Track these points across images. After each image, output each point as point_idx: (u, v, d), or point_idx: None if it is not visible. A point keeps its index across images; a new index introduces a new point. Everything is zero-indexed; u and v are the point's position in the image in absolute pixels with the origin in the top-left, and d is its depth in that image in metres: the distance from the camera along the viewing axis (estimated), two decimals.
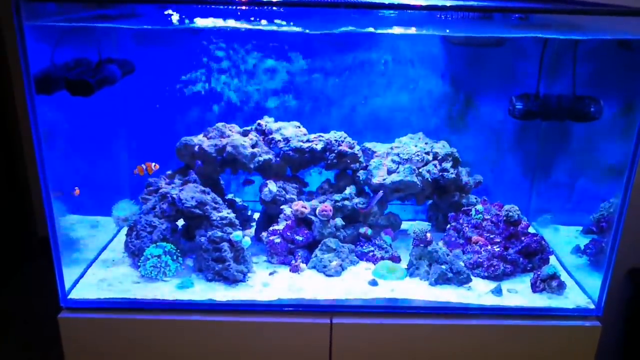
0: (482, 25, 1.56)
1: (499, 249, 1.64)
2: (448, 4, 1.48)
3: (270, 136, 1.74)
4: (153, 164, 1.67)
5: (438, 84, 1.92)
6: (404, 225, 1.86)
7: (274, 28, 1.69)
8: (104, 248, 1.76)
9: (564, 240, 1.83)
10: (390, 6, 1.44)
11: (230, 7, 1.43)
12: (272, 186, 1.71)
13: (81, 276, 1.59)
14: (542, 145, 1.97)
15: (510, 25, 1.56)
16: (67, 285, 1.50)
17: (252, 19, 1.55)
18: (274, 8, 1.44)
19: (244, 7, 1.43)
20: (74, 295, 1.51)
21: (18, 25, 1.27)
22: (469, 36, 1.78)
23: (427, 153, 1.75)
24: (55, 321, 1.47)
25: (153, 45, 1.86)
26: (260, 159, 1.71)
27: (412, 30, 1.71)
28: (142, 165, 1.66)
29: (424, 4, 1.44)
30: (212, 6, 1.43)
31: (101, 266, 1.65)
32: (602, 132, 1.78)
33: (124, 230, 1.71)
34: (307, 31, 1.72)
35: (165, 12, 1.50)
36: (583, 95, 1.72)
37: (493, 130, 1.96)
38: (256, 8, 1.44)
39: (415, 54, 1.88)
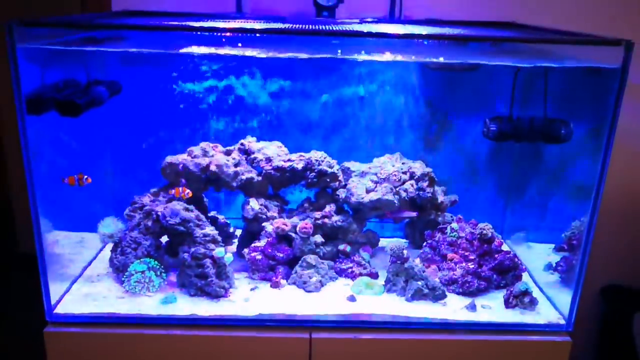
0: (457, 51, 1.62)
1: (473, 266, 1.68)
2: (425, 31, 1.55)
3: (253, 155, 1.79)
4: (187, 190, 1.69)
5: (415, 106, 1.97)
6: (382, 242, 1.90)
7: (257, 53, 1.74)
8: (89, 264, 1.79)
9: (536, 257, 1.87)
10: (370, 34, 1.50)
11: (214, 34, 1.47)
12: (254, 204, 1.75)
13: (66, 291, 1.62)
14: (515, 165, 2.02)
15: (484, 52, 1.62)
16: (53, 301, 1.53)
17: (240, 44, 1.61)
18: (257, 35, 1.49)
19: (228, 34, 1.48)
20: (60, 310, 1.53)
21: (11, 48, 1.31)
22: (445, 61, 1.85)
23: (405, 173, 1.79)
24: (36, 337, 1.49)
25: (139, 66, 1.90)
26: (243, 177, 1.75)
27: (391, 57, 1.77)
28: (180, 188, 1.69)
29: (401, 31, 1.51)
30: (197, 33, 1.48)
31: (86, 281, 1.68)
32: (572, 153, 1.84)
33: (109, 246, 1.74)
34: (279, 55, 1.77)
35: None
36: (554, 118, 1.78)
37: (468, 151, 2.01)
38: (240, 35, 1.49)
39: (393, 78, 1.94)
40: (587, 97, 1.74)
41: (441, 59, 1.79)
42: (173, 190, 1.69)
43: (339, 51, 1.60)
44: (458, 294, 1.66)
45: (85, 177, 1.63)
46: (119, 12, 1.90)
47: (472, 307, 1.59)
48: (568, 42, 1.52)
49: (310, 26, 1.51)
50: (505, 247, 1.77)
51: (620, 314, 2.19)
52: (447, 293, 1.64)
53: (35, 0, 2.18)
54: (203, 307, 1.55)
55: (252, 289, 1.66)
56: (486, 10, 1.95)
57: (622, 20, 1.97)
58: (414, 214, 1.80)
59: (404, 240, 1.97)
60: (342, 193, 1.78)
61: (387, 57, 1.68)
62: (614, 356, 2.24)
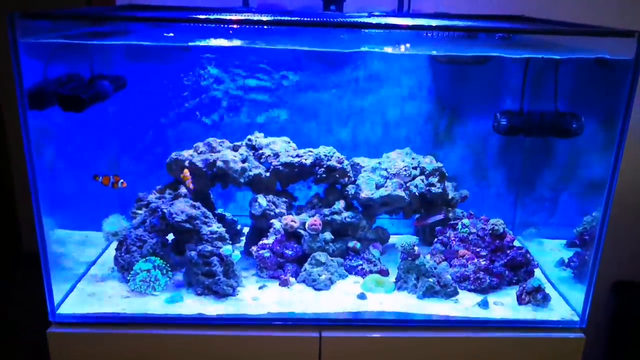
0: (466, 44, 1.60)
1: (485, 262, 1.66)
2: (434, 23, 1.53)
3: (260, 151, 1.76)
4: (187, 173, 1.67)
5: (425, 100, 1.95)
6: (392, 239, 1.88)
7: (265, 46, 1.72)
8: (93, 263, 1.76)
9: (548, 253, 1.86)
10: (378, 26, 1.48)
11: (221, 25, 1.45)
12: (261, 200, 1.72)
13: (70, 291, 1.59)
14: (526, 160, 2.00)
15: (494, 45, 1.61)
16: (56, 300, 1.50)
17: (243, 39, 1.59)
18: (265, 27, 1.47)
19: (235, 26, 1.46)
20: (63, 310, 1.51)
21: (13, 42, 1.28)
22: (455, 54, 1.83)
23: (415, 168, 1.77)
24: (40, 336, 1.46)
25: (145, 61, 1.88)
26: (251, 173, 1.73)
27: (400, 50, 1.75)
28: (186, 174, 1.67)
29: (410, 23, 1.49)
30: (204, 25, 1.46)
31: (90, 281, 1.65)
32: (584, 148, 1.83)
33: (114, 244, 1.71)
34: (294, 47, 1.75)
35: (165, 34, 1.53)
36: (565, 111, 1.76)
37: (478, 145, 1.99)
38: (247, 27, 1.47)
39: (402, 71, 1.92)
40: (599, 90, 1.73)
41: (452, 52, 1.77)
42: (183, 174, 1.66)
43: (360, 48, 1.57)
44: (470, 290, 1.64)
45: (121, 181, 1.61)
46: (123, 6, 1.87)
47: (485, 304, 1.57)
48: (580, 33, 1.51)
49: (318, 19, 1.48)
50: (517, 243, 1.74)
51: (632, 309, 2.17)
52: (459, 290, 1.62)
53: None
54: (210, 306, 1.52)
55: (260, 288, 1.63)
56: (495, 4, 1.93)
57: (631, 15, 1.95)
58: (441, 216, 1.78)
59: (415, 236, 1.94)
60: (351, 189, 1.76)
61: (396, 50, 1.66)
62: (625, 351, 2.22)
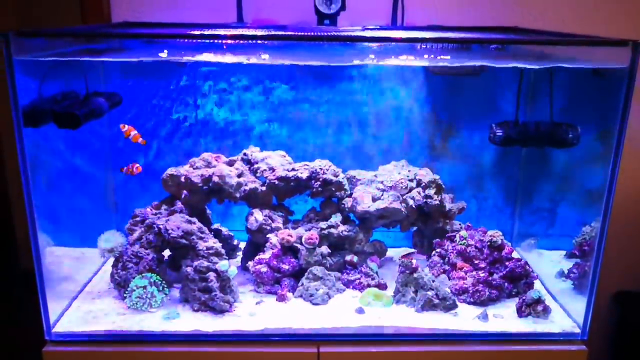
0: (461, 55, 1.60)
1: (483, 275, 1.65)
2: (427, 35, 1.53)
3: (256, 165, 1.76)
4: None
5: (420, 112, 1.95)
6: (390, 252, 1.87)
7: (260, 61, 1.72)
8: (90, 280, 1.75)
9: (547, 264, 1.84)
10: (372, 39, 1.49)
11: (215, 41, 1.46)
12: (258, 215, 1.71)
13: (66, 309, 1.58)
14: (523, 171, 2.00)
15: (488, 55, 1.61)
16: (52, 319, 1.49)
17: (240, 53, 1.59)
18: (259, 41, 1.48)
19: (229, 41, 1.47)
20: (59, 328, 1.49)
21: (8, 60, 1.29)
22: (449, 66, 1.83)
23: (411, 180, 1.77)
24: (38, 354, 1.45)
25: (140, 77, 1.88)
26: (246, 188, 1.72)
27: (395, 62, 1.76)
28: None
29: (404, 36, 1.49)
30: (198, 41, 1.46)
31: (87, 298, 1.64)
32: (581, 157, 1.82)
33: (110, 261, 1.70)
34: (290, 62, 1.76)
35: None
36: (561, 122, 1.76)
37: (475, 156, 1.99)
38: (241, 42, 1.48)
39: (397, 84, 1.92)
40: (595, 99, 1.73)
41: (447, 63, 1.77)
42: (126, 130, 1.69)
43: (354, 60, 1.58)
44: (469, 303, 1.63)
45: (136, 166, 1.70)
46: (119, 23, 1.88)
47: (484, 317, 1.56)
48: (575, 43, 1.51)
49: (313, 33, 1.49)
50: (515, 255, 1.73)
51: (635, 319, 2.15)
52: (458, 303, 1.61)
53: (34, 15, 2.18)
54: (207, 323, 1.51)
55: (257, 303, 1.62)
56: (488, 17, 1.94)
57: (621, 24, 1.96)
58: (423, 257, 1.82)
59: (412, 249, 1.93)
60: (348, 202, 1.75)
61: (391, 62, 1.66)
62: None
